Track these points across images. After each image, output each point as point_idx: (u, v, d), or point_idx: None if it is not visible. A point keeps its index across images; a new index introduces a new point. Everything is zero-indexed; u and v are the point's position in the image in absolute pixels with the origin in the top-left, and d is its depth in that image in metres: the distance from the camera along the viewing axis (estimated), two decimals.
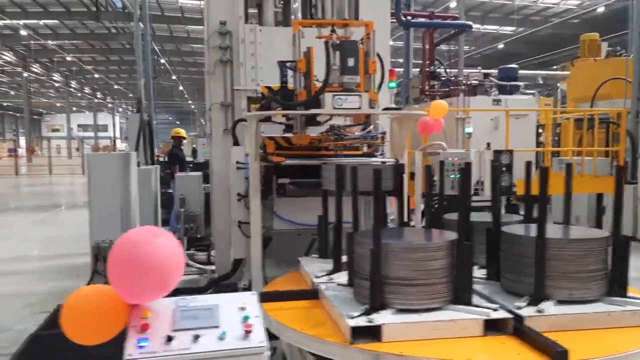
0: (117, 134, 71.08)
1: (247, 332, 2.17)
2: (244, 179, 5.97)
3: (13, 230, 12.35)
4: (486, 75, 12.09)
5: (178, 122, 76.12)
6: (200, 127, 64.47)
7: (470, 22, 16.63)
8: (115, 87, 57.87)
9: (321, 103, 4.24)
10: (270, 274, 5.31)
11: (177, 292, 6.53)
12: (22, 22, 31.54)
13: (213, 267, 7.63)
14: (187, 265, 7.88)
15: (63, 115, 69.13)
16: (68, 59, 42.50)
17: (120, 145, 59.06)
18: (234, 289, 6.19)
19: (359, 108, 4.25)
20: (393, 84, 4.40)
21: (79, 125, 69.76)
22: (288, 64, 4.44)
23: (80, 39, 37.43)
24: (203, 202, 8.17)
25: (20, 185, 27.53)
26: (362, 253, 2.91)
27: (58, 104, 65.35)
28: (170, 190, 9.16)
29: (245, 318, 2.23)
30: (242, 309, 2.26)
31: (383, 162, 4.63)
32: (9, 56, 39.97)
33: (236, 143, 6.06)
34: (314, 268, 3.83)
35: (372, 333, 2.63)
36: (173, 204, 8.49)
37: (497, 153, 6.46)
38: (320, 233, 4.14)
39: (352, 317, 2.70)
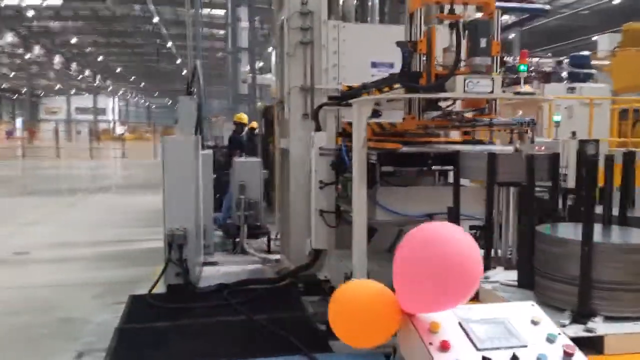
0: (117, 117, 70.58)
1: (568, 355, 1.93)
2: (328, 166, 5.78)
3: (45, 214, 12.12)
4: (559, 62, 11.87)
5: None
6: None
7: (547, 7, 15.91)
8: (118, 70, 57.18)
9: (449, 87, 3.99)
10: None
11: (246, 283, 6.35)
12: (24, 3, 30.92)
13: (277, 257, 7.45)
14: (250, 254, 7.72)
15: (61, 97, 68.41)
16: (73, 41, 41.89)
17: (119, 129, 58.47)
18: (314, 281, 6.03)
19: (492, 92, 4.03)
20: (524, 67, 4.16)
21: (77, 108, 69.06)
22: (404, 49, 4.18)
23: (83, 20, 36.82)
24: (263, 189, 7.97)
25: (29, 168, 27.19)
26: (559, 252, 2.69)
27: (56, 87, 64.57)
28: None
29: (552, 336, 1.99)
30: (535, 323, 2.03)
31: (517, 150, 4.42)
32: (10, 37, 39.34)
33: (318, 128, 5.85)
34: None
35: (588, 344, 2.41)
36: (227, 190, 8.30)
37: (583, 143, 6.25)
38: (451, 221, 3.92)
39: (564, 326, 2.48)
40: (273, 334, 4.88)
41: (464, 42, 4.25)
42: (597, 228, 3.20)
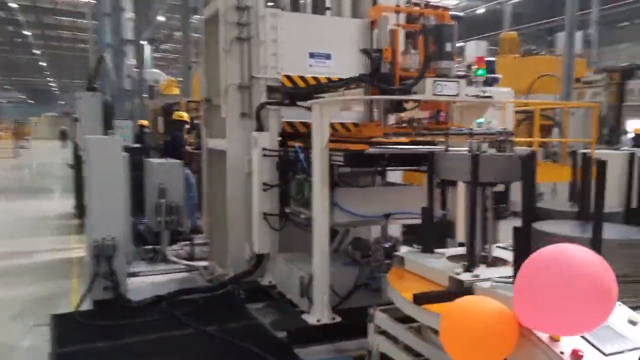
0: None
1: None
2: (273, 168, 5.68)
3: None
4: (469, 67, 12.50)
5: (32, 102, 69.64)
6: (60, 107, 59.23)
7: (460, 14, 16.67)
8: None
9: (418, 89, 4.10)
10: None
11: (183, 293, 6.03)
12: None
13: (205, 263, 7.15)
14: (173, 262, 7.34)
15: None
16: None
17: None
18: (257, 287, 5.88)
19: (457, 95, 4.20)
20: (482, 71, 4.37)
21: None
22: (373, 54, 4.24)
23: None
24: (184, 192, 7.60)
25: None
26: None
27: None
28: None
29: None
30: (633, 323, 2.10)
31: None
32: None
33: (260, 128, 5.71)
34: (442, 264, 3.74)
35: None
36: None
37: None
38: (426, 225, 4.03)
39: None
40: (232, 345, 4.68)
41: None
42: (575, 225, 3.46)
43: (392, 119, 4.72)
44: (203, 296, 5.90)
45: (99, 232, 5.61)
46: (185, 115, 9.52)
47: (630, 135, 14.11)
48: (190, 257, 7.66)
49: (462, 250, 4.22)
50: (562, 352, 1.93)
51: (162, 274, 7.05)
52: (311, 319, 4.77)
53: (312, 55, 6.14)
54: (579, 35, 16.54)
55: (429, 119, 4.86)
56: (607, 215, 3.48)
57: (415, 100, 4.33)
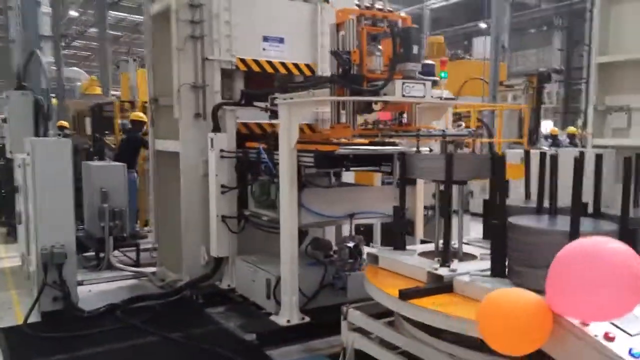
0: None
1: None
2: (231, 170, 5.65)
3: None
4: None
5: None
6: None
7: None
8: None
9: (388, 90, 4.23)
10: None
11: (137, 300, 5.83)
12: None
13: (153, 269, 6.95)
14: (119, 269, 7.07)
15: None
16: None
17: None
18: (215, 291, 5.82)
19: (424, 97, 4.37)
20: (444, 74, 4.57)
21: None
22: (344, 55, 4.32)
23: None
24: (128, 196, 7.33)
25: None
26: (545, 242, 3.06)
27: None
28: None
29: None
30: None
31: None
32: None
33: (217, 129, 5.65)
34: (417, 260, 3.88)
35: None
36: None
37: None
38: (397, 223, 4.16)
39: None
40: (201, 351, 4.60)
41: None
42: (560, 219, 3.69)
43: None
44: (159, 303, 5.73)
45: (48, 239, 5.31)
46: (143, 116, 9.19)
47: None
48: (136, 264, 7.40)
49: (430, 247, 4.40)
50: (595, 335, 2.10)
51: (109, 281, 6.77)
52: (280, 320, 4.79)
53: (265, 39, 6.13)
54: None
55: (391, 121, 5.01)
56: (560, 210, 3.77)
57: (383, 102, 4.44)
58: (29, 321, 5.21)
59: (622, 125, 10.66)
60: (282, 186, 4.72)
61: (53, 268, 5.30)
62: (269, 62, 6.05)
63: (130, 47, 27.84)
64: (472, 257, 4.05)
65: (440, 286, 3.55)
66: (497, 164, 3.58)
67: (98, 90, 18.16)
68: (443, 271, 3.67)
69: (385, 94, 4.30)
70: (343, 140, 5.17)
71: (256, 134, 6.05)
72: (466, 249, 4.21)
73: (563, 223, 3.42)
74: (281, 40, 6.18)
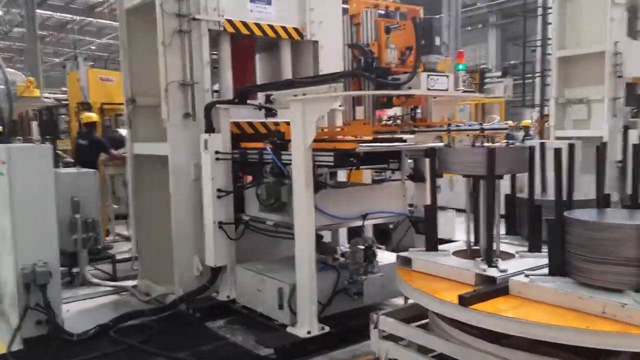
0: None
1: None
2: (227, 172, 5.28)
3: None
4: None
5: None
6: None
7: None
8: None
9: (413, 84, 4.02)
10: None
11: (129, 318, 5.29)
12: None
13: (133, 283, 6.45)
14: (96, 284, 6.51)
15: None
16: None
17: None
18: (213, 303, 5.42)
19: (447, 90, 4.19)
20: (462, 66, 4.39)
21: None
22: (366, 48, 4.07)
23: None
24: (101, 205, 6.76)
25: None
26: (613, 237, 2.94)
27: None
28: None
29: None
30: None
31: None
32: None
33: (211, 129, 5.26)
34: (458, 261, 3.70)
35: None
36: None
37: None
38: (429, 223, 3.94)
39: None
40: None
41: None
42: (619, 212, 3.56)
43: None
44: (153, 320, 5.26)
45: (29, 257, 4.75)
46: (94, 117, 8.52)
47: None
48: (114, 277, 6.84)
49: (459, 245, 4.21)
50: None
51: (86, 299, 6.20)
52: (300, 331, 4.48)
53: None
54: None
55: (402, 116, 4.79)
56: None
57: (405, 96, 4.21)
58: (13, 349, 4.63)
59: (582, 116, 11.01)
60: (297, 188, 4.41)
61: (36, 289, 4.74)
62: (257, 25, 5.74)
63: (77, 46, 26.46)
64: (509, 255, 3.87)
65: (498, 289, 3.34)
66: (556, 158, 3.41)
67: (36, 93, 16.95)
68: (493, 272, 3.48)
69: (409, 88, 4.07)
70: (349, 137, 4.92)
71: (247, 133, 5.70)
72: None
73: (627, 216, 3.32)
74: (268, 2, 5.86)
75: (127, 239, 9.01)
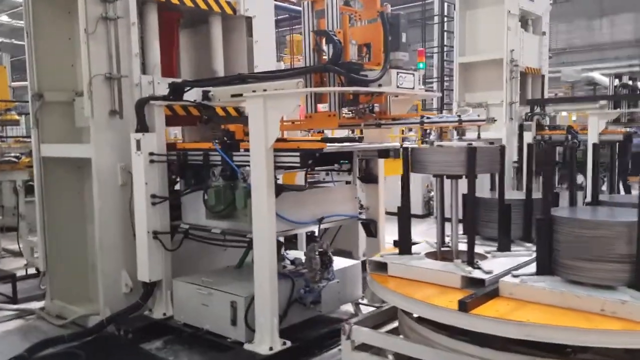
0: None
1: None
2: (161, 176, 4.82)
3: None
4: None
5: None
6: None
7: None
8: None
9: (384, 81, 3.89)
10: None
11: (47, 345, 4.63)
12: None
13: (40, 304, 5.68)
14: None
15: None
16: None
17: None
18: (147, 323, 4.91)
19: (413, 88, 4.11)
20: (422, 65, 4.30)
21: None
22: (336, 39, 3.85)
23: None
24: None
25: None
26: (605, 234, 2.99)
27: None
28: None
29: None
30: None
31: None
32: None
33: (144, 128, 4.76)
34: (438, 265, 3.62)
35: None
36: None
37: None
38: (403, 225, 3.82)
39: None
40: None
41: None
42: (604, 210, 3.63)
43: None
44: (77, 346, 4.61)
45: None
46: None
47: None
48: (14, 299, 5.96)
49: (424, 248, 4.11)
50: None
51: None
52: (260, 348, 4.12)
53: None
54: None
55: (363, 109, 4.60)
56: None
57: (376, 93, 4.04)
58: None
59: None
60: (257, 192, 4.06)
61: None
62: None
63: None
64: (481, 256, 3.83)
65: (489, 291, 3.26)
66: (547, 155, 3.41)
67: None
68: (479, 274, 3.40)
69: (380, 85, 3.90)
70: (300, 136, 4.68)
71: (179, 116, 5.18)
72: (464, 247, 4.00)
73: (610, 214, 3.39)
74: None
75: (16, 254, 7.98)
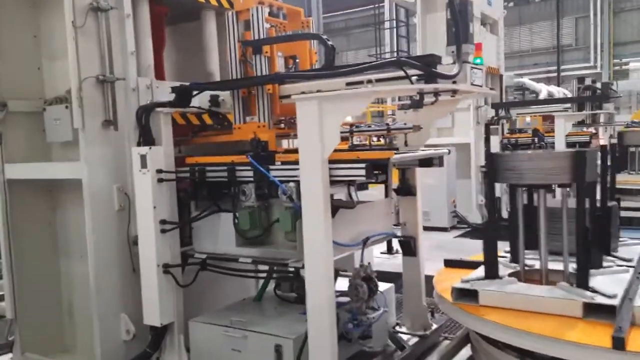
0: None
1: None
2: (174, 197, 4.02)
3: None
4: None
5: None
6: None
7: None
8: None
9: (459, 78, 3.32)
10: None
11: None
12: None
13: (7, 358, 4.65)
14: None
15: None
16: None
17: None
18: None
19: (482, 86, 3.58)
20: (480, 60, 3.75)
21: None
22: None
23: None
24: None
25: None
26: None
27: None
28: None
29: None
30: None
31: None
32: None
33: (149, 140, 3.92)
34: (543, 290, 3.13)
35: None
36: None
37: None
38: (490, 247, 3.24)
39: None
40: None
41: None
42: None
43: None
44: None
45: None
46: None
47: None
48: None
49: (509, 266, 3.55)
50: None
51: None
52: None
53: None
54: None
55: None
56: None
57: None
58: None
59: (447, 124, 11.36)
60: (310, 213, 3.33)
61: None
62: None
63: None
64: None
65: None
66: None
67: None
68: (603, 300, 2.87)
69: (454, 82, 3.30)
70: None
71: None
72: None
73: None
74: None
75: None
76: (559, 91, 16.79)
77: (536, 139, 10.30)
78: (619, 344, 2.48)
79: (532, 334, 2.75)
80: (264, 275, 4.09)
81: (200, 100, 4.35)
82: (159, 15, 4.71)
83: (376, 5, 18.45)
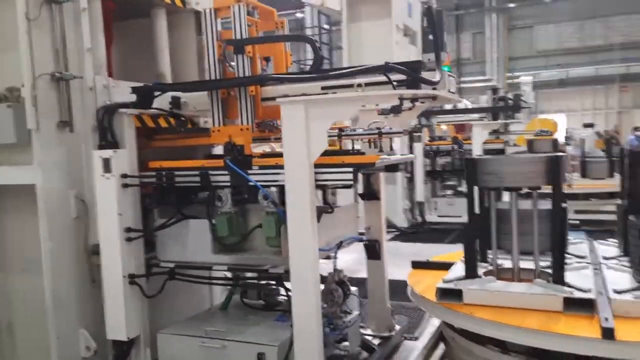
0: None
1: None
2: (137, 204, 3.83)
3: None
4: None
5: None
6: None
7: None
8: None
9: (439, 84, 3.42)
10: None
11: None
12: None
13: None
14: None
15: None
16: None
17: None
18: None
19: (455, 93, 3.73)
20: (447, 68, 3.87)
21: None
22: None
23: None
24: None
25: None
26: None
27: None
28: None
29: None
30: None
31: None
32: None
33: (112, 143, 3.70)
34: (522, 287, 3.28)
35: None
36: None
37: None
38: (469, 247, 3.36)
39: None
40: None
41: None
42: None
43: None
44: None
45: None
46: None
47: None
48: None
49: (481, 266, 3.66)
50: None
51: None
52: None
53: None
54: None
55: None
56: None
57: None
58: None
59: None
60: (297, 218, 3.25)
61: None
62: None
63: None
64: (546, 274, 3.49)
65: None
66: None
67: None
68: (581, 294, 3.05)
69: (434, 88, 3.38)
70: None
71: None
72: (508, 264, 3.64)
73: None
74: None
75: None
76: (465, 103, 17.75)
77: (456, 146, 10.80)
78: (608, 334, 2.65)
79: (527, 329, 2.87)
80: (238, 283, 3.93)
81: (160, 102, 4.12)
82: (107, 11, 4.42)
83: (298, 10, 18.54)
